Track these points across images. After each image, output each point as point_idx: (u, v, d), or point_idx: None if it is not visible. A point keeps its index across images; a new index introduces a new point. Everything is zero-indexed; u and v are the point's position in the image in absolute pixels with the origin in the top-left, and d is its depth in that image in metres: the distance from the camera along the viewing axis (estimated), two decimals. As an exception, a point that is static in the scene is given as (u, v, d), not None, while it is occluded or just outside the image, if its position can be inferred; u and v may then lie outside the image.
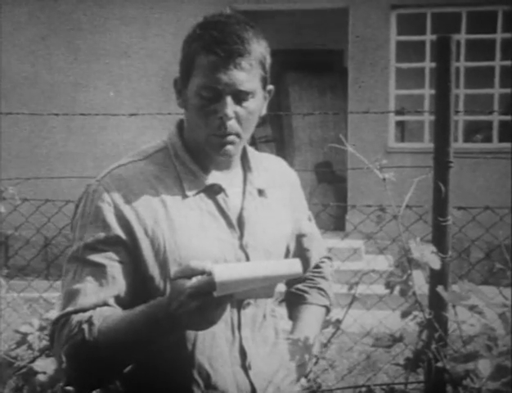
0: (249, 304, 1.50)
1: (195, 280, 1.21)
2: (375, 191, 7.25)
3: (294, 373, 1.60)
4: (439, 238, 2.10)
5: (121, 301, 1.40)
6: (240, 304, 1.48)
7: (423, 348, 1.98)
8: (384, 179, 1.94)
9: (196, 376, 1.43)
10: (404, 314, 1.98)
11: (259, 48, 1.44)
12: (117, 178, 1.44)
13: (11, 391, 2.14)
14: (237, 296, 1.25)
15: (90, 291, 1.38)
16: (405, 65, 7.95)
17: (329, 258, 1.86)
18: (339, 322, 2.22)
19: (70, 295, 1.39)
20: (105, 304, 1.38)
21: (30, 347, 2.06)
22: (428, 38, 7.84)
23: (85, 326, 1.34)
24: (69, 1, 8.30)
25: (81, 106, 8.13)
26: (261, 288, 1.25)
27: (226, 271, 1.19)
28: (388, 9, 7.87)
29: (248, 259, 1.49)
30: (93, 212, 1.42)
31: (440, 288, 1.92)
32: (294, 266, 1.23)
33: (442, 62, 2.11)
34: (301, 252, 1.73)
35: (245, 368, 1.48)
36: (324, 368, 3.10)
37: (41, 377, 2.00)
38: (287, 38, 9.10)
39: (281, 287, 1.92)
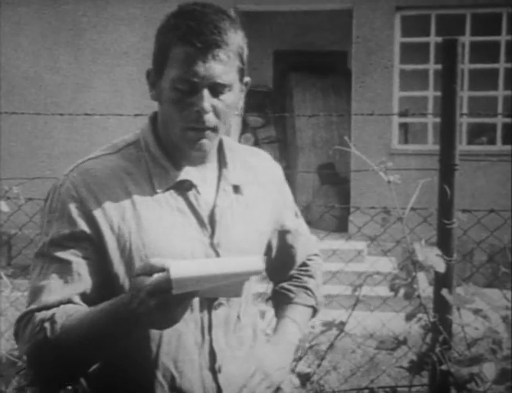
0: (220, 304, 1.44)
1: (154, 277, 1.18)
2: (378, 193, 7.24)
3: (273, 377, 1.53)
4: (444, 241, 2.09)
5: (87, 299, 1.35)
6: (210, 305, 1.42)
7: (427, 351, 1.97)
8: (389, 182, 1.93)
9: (160, 378, 1.39)
10: (408, 317, 1.98)
11: (237, 39, 1.36)
12: (84, 173, 1.39)
13: (14, 390, 2.13)
14: (201, 295, 1.22)
15: (54, 288, 1.34)
16: (409, 67, 7.95)
17: (317, 255, 1.78)
18: (342, 324, 2.22)
19: (35, 293, 1.35)
20: (70, 301, 1.34)
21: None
22: (433, 39, 7.83)
23: (47, 324, 1.30)
24: (71, 1, 8.31)
25: (82, 105, 8.13)
26: (227, 287, 1.21)
27: (183, 267, 1.15)
28: (393, 10, 7.86)
29: (218, 257, 1.42)
30: (59, 208, 1.37)
31: (445, 291, 1.92)
32: (255, 263, 1.19)
33: (448, 64, 2.10)
34: (285, 249, 1.66)
35: (214, 371, 1.43)
36: (327, 369, 3.09)
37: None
38: (291, 39, 9.11)
39: (260, 287, 1.86)
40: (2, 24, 8.38)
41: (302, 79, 8.98)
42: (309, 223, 8.35)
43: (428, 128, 8.00)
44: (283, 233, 1.65)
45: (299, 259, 1.72)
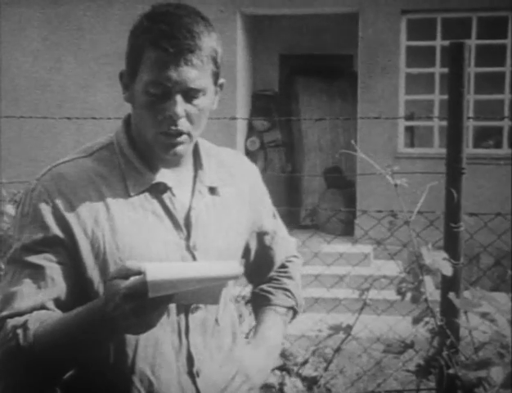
0: (197, 308, 1.41)
1: (129, 281, 1.15)
2: (384, 197, 7.22)
3: (254, 379, 1.52)
4: (451, 244, 2.09)
5: (61, 304, 1.33)
6: (187, 308, 1.40)
7: (434, 355, 1.97)
8: (396, 185, 1.93)
9: (137, 383, 1.36)
10: (415, 321, 1.98)
11: (210, 42, 1.34)
12: (57, 177, 1.37)
13: None
14: (178, 300, 1.20)
15: (27, 293, 1.31)
16: (415, 71, 7.94)
17: (296, 257, 1.75)
18: (349, 327, 2.22)
19: (7, 299, 1.32)
20: (44, 307, 1.32)
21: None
22: (439, 43, 7.82)
23: (19, 331, 1.27)
24: (77, 4, 8.33)
25: (88, 108, 8.15)
26: (204, 293, 1.19)
27: (160, 270, 1.13)
28: (399, 14, 7.86)
29: (195, 260, 1.40)
30: (32, 212, 1.35)
31: (452, 295, 1.91)
32: (233, 267, 1.17)
33: (455, 68, 2.10)
34: (264, 251, 1.64)
35: (193, 375, 1.40)
36: (333, 373, 3.09)
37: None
38: (296, 43, 9.11)
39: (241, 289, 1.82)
40: (2, 24, 8.40)
41: (307, 82, 8.98)
42: (316, 226, 8.35)
43: (434, 131, 7.99)
44: (261, 235, 1.63)
45: (278, 261, 1.69)
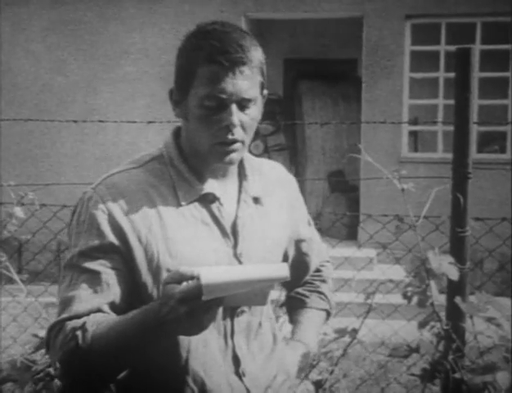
0: (243, 312, 1.49)
1: (184, 285, 1.22)
2: (388, 201, 7.24)
3: (294, 378, 1.61)
4: (457, 249, 2.10)
5: (116, 308, 1.40)
6: (233, 313, 1.48)
7: (440, 359, 1.97)
8: (403, 190, 1.94)
9: (191, 383, 1.44)
10: (421, 325, 1.98)
11: (257, 55, 1.44)
12: (112, 186, 1.45)
13: (28, 395, 2.14)
14: (228, 302, 1.25)
15: (84, 297, 1.39)
16: (419, 75, 7.95)
17: (328, 262, 1.86)
18: (355, 331, 2.22)
19: (65, 302, 1.40)
20: (100, 310, 1.39)
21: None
22: (443, 48, 7.83)
23: (79, 332, 1.34)
24: (77, 4, 8.35)
25: (88, 109, 8.16)
26: (253, 295, 1.25)
27: (213, 274, 1.20)
28: (403, 19, 7.87)
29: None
30: (88, 220, 1.42)
31: (458, 299, 1.92)
32: (282, 270, 1.23)
33: (461, 73, 2.11)
34: (301, 257, 1.72)
35: (239, 375, 1.48)
36: (337, 377, 3.09)
37: (59, 382, 2.01)
38: (301, 47, 9.13)
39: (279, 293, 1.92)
40: (2, 25, 8.41)
41: (312, 86, 8.99)
42: (320, 230, 8.32)
43: (437, 136, 7.99)
44: (298, 242, 1.71)
45: (313, 266, 1.78)
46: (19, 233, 2.51)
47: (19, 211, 2.44)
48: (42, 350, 2.09)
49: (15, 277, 2.41)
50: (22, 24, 8.45)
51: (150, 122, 3.03)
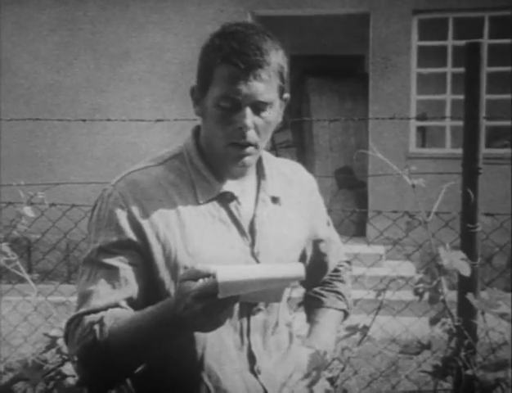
0: (259, 310, 1.51)
1: (200, 282, 1.24)
2: (396, 197, 7.22)
3: (310, 376, 1.61)
4: (468, 245, 2.09)
5: (133, 303, 1.42)
6: (249, 310, 1.49)
7: (452, 355, 1.96)
8: (414, 186, 1.93)
9: (206, 379, 1.45)
10: (433, 321, 1.97)
11: (277, 59, 1.45)
12: (131, 183, 1.47)
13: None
14: (244, 299, 1.26)
15: (103, 292, 1.41)
16: (426, 71, 7.92)
17: (348, 262, 1.87)
18: (366, 328, 2.21)
19: (84, 297, 1.42)
20: (117, 305, 1.41)
21: (59, 351, 2.07)
22: (450, 43, 7.80)
23: (96, 327, 1.36)
24: (78, 4, 8.35)
25: (90, 108, 8.16)
26: (268, 292, 1.26)
27: (229, 272, 1.21)
28: (410, 14, 7.84)
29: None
30: (107, 216, 1.44)
31: (470, 295, 1.91)
32: (298, 270, 1.24)
33: (471, 68, 2.10)
34: (319, 257, 1.73)
35: (255, 372, 1.49)
36: (347, 373, 3.08)
37: (70, 381, 2.01)
38: (308, 44, 9.10)
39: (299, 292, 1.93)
40: (2, 25, 8.42)
41: (319, 83, 8.98)
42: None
43: (445, 131, 7.96)
44: (317, 242, 1.72)
45: (331, 266, 1.79)
46: (28, 233, 2.51)
47: (28, 211, 2.44)
48: (53, 350, 2.10)
49: (26, 276, 2.41)
50: (24, 23, 8.44)
51: (158, 120, 3.03)
